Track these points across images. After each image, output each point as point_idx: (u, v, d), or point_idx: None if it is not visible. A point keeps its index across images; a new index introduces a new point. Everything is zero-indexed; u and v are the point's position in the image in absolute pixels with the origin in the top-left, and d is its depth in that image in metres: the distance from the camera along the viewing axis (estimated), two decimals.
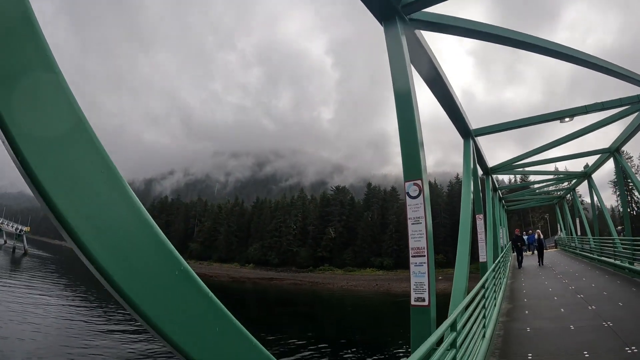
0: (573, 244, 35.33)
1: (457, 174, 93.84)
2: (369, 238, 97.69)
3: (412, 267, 6.44)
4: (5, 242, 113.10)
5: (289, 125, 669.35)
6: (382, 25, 7.35)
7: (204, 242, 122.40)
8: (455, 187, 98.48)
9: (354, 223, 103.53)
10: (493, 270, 11.49)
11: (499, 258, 16.79)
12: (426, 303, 6.21)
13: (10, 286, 44.72)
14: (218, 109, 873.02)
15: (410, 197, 6.62)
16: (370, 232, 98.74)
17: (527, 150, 20.46)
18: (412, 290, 6.33)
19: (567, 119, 13.96)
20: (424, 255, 6.33)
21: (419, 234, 6.45)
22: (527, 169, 27.43)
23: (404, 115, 7.11)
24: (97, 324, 31.69)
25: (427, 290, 6.23)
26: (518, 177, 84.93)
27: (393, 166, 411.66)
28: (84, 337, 26.82)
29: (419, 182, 6.64)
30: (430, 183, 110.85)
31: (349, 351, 28.04)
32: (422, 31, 8.32)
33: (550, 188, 41.03)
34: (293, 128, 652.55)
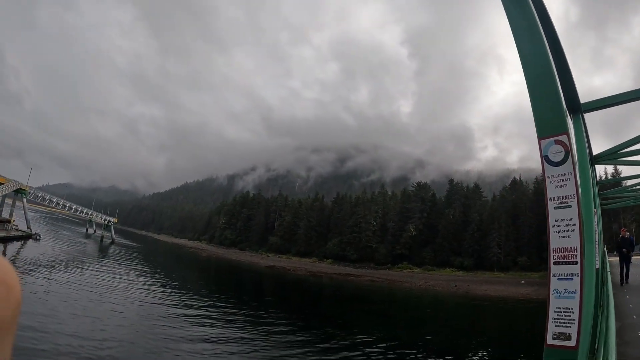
0: None
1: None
2: (449, 236, 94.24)
3: (552, 280, 3.81)
4: (95, 231, 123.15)
5: (369, 120, 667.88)
6: None
7: (284, 236, 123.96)
8: (541, 184, 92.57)
9: (435, 221, 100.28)
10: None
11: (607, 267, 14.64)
12: (572, 343, 3.60)
13: (96, 271, 47.79)
14: (297, 104, 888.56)
15: (551, 163, 4.15)
16: (451, 230, 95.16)
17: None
18: (549, 319, 3.72)
19: None
20: (576, 262, 3.72)
21: (567, 225, 3.89)
22: (632, 158, 23.81)
23: (531, 46, 4.83)
24: (172, 307, 32.71)
25: (576, 321, 3.62)
26: (609, 169, 78.43)
27: (477, 162, 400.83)
28: (156, 318, 27.77)
29: (563, 137, 4.14)
30: (514, 179, 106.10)
31: (421, 354, 26.80)
32: None
33: None
34: (373, 122, 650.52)
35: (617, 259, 23.20)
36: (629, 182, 37.33)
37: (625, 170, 69.76)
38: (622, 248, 19.20)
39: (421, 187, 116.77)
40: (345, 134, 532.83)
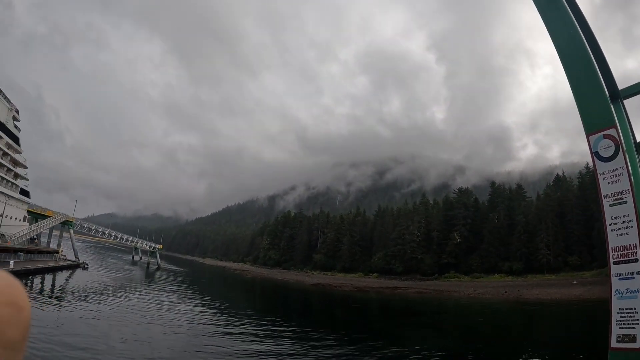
0: None
1: (587, 163, 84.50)
2: (495, 241, 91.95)
3: (613, 280, 3.65)
4: (141, 258, 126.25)
5: (404, 130, 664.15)
6: None
7: (328, 253, 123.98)
8: (585, 177, 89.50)
9: (480, 226, 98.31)
10: None
11: None
12: (638, 345, 3.44)
13: (144, 296, 49.02)
14: (331, 121, 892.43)
15: (602, 158, 4.05)
16: (497, 234, 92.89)
17: None
18: (612, 321, 3.54)
19: None
20: (637, 259, 3.54)
21: (624, 222, 3.70)
22: None
23: (567, 37, 4.78)
24: (220, 327, 33.27)
25: None
26: None
27: (517, 162, 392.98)
28: (206, 338, 28.19)
29: (611, 131, 4.06)
30: (557, 176, 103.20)
31: None
32: None
33: None
34: (408, 132, 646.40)
35: None
36: None
37: None
38: None
39: (463, 193, 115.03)
40: (381, 146, 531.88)
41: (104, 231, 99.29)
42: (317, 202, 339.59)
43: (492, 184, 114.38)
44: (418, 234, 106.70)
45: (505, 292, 69.70)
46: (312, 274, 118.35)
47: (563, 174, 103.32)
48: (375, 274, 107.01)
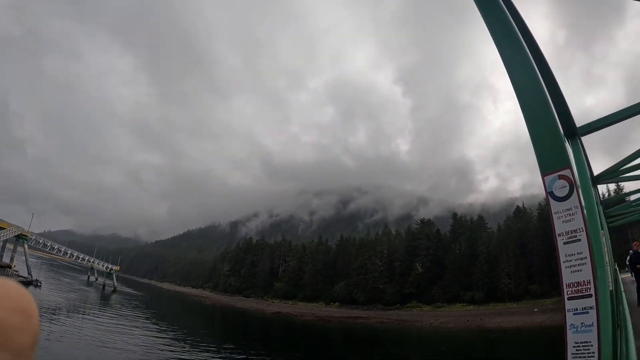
0: None
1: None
2: (457, 271, 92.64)
3: (568, 315, 3.67)
4: (97, 279, 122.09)
5: (369, 161, 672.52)
6: None
7: (289, 282, 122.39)
8: (545, 209, 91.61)
9: (442, 256, 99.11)
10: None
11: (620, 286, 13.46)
12: None
13: (98, 319, 47.17)
14: (298, 149, 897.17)
15: (556, 198, 4.05)
16: (459, 264, 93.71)
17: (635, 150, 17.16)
18: (568, 354, 3.56)
19: None
20: (590, 295, 3.60)
21: (577, 259, 3.76)
22: (634, 173, 22.37)
23: (525, 79, 4.74)
24: (173, 352, 32.11)
25: (595, 354, 3.46)
26: (612, 187, 77.88)
27: (479, 194, 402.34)
28: None
29: (566, 172, 4.05)
30: (518, 207, 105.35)
31: None
32: None
33: None
34: (374, 163, 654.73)
35: (629, 275, 21.33)
36: (632, 197, 36.18)
37: (627, 186, 69.19)
38: (636, 264, 17.02)
39: (425, 223, 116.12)
40: (346, 176, 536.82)
41: (60, 248, 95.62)
42: (279, 229, 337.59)
43: (454, 215, 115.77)
44: (380, 263, 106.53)
45: (468, 320, 69.95)
46: (273, 302, 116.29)
47: (523, 205, 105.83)
48: (337, 304, 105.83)
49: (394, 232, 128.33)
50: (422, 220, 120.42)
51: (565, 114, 10.29)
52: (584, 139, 13.40)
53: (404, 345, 51.80)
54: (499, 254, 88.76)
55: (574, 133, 12.21)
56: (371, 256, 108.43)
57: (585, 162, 12.06)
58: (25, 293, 0.59)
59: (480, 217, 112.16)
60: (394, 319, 79.07)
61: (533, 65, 4.64)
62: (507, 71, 4.97)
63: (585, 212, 3.91)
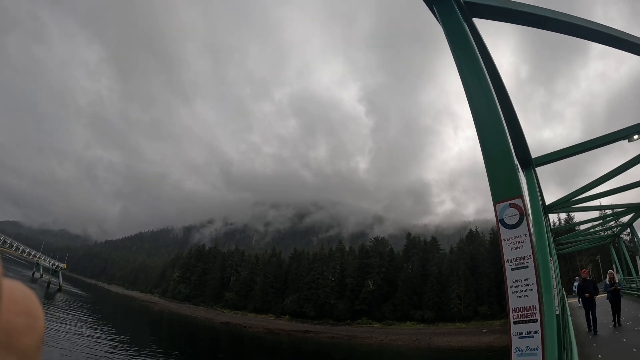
0: (634, 285, 31.96)
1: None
2: (409, 290, 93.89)
3: (513, 339, 3.83)
4: (42, 276, 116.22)
5: (328, 177, 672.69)
6: (432, 9, 5.46)
7: (240, 292, 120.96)
8: (497, 234, 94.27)
9: (394, 275, 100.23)
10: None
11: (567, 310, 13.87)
12: None
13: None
14: (257, 159, 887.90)
15: (506, 225, 4.22)
16: (411, 284, 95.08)
17: (586, 183, 18.00)
18: None
19: (635, 137, 11.31)
20: (536, 320, 3.75)
21: (524, 285, 3.96)
22: (583, 204, 23.05)
23: (483, 107, 4.97)
24: (117, 358, 31.20)
25: None
26: (562, 216, 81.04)
27: (434, 216, 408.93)
28: None
29: (517, 201, 4.23)
30: (471, 231, 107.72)
31: None
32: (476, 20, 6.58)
33: (606, 225, 37.08)
34: (332, 179, 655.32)
35: (575, 300, 21.66)
36: (582, 227, 37.68)
37: (578, 216, 72.13)
38: (585, 292, 17.54)
39: (379, 242, 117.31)
40: (304, 190, 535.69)
41: (6, 240, 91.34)
42: (233, 238, 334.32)
43: (408, 235, 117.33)
44: (332, 279, 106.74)
45: (417, 339, 70.88)
46: (223, 312, 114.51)
47: (476, 229, 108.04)
48: (287, 317, 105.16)
49: (347, 248, 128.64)
50: (377, 239, 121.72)
51: (521, 144, 10.82)
52: (539, 169, 14.05)
53: None
54: (450, 275, 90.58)
55: (529, 163, 12.85)
56: (324, 271, 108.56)
57: (537, 191, 12.62)
58: (31, 295, 0.60)
59: (434, 239, 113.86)
60: (344, 335, 79.22)
61: (493, 97, 4.98)
62: (468, 100, 5.24)
63: (534, 240, 4.11)
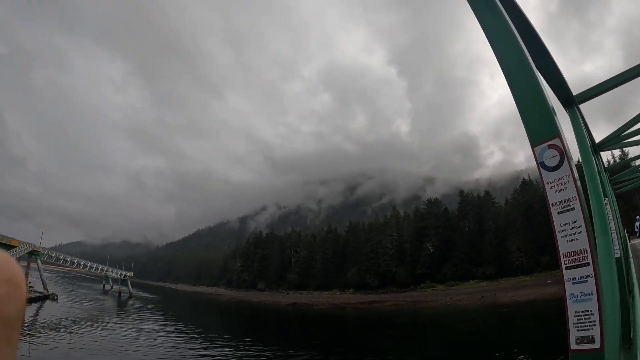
0: None
1: None
2: (467, 248, 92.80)
3: (567, 285, 3.58)
4: (112, 287, 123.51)
5: (371, 145, 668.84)
6: None
7: (301, 272, 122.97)
8: None
9: (451, 235, 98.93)
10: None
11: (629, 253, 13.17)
12: (597, 345, 3.28)
13: (117, 325, 47.81)
14: (298, 139, 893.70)
15: (547, 168, 3.87)
16: (469, 241, 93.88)
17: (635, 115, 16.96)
18: (569, 324, 3.43)
19: None
20: (588, 263, 3.47)
21: (572, 228, 3.62)
22: (636, 137, 21.56)
23: (507, 49, 4.41)
24: (193, 350, 32.57)
25: (597, 322, 3.31)
26: (617, 153, 77.23)
27: (485, 169, 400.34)
28: None
29: (555, 141, 3.88)
30: (524, 180, 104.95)
31: None
32: None
33: None
34: (375, 147, 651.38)
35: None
36: (638, 162, 35.80)
37: (632, 151, 68.66)
38: None
39: (432, 203, 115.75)
40: (350, 162, 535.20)
41: (73, 260, 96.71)
42: (288, 221, 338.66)
43: (461, 192, 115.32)
44: (391, 246, 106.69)
45: (482, 297, 70.08)
46: (288, 293, 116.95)
47: (529, 178, 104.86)
48: (350, 290, 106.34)
49: (402, 214, 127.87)
50: (430, 200, 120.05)
51: (559, 83, 10.02)
52: (585, 107, 13.15)
53: (419, 326, 52.02)
54: (507, 228, 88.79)
55: (571, 101, 11.85)
56: (381, 240, 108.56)
57: (584, 129, 11.81)
58: (13, 263, 0.59)
59: (487, 193, 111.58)
60: (409, 301, 79.32)
61: (515, 35, 4.51)
62: (490, 43, 4.90)
63: (577, 180, 3.71)
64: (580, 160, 6.02)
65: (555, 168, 3.82)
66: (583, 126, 11.54)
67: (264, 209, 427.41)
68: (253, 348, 34.94)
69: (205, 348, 34.53)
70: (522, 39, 6.83)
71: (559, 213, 3.70)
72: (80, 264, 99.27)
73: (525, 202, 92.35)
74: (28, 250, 79.78)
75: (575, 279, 3.49)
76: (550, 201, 3.78)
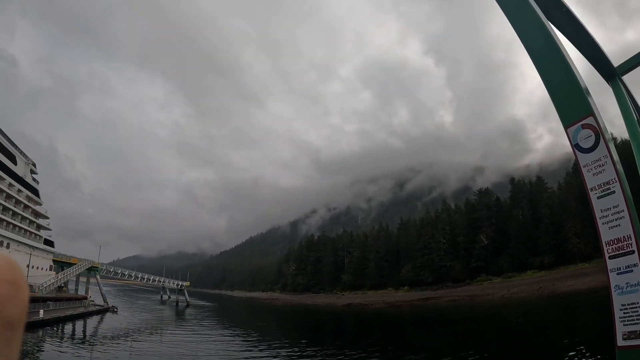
0: None
1: None
2: (523, 237, 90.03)
3: (611, 276, 3.38)
4: (169, 297, 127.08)
5: (417, 139, 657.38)
6: None
7: (355, 272, 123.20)
8: None
9: (505, 224, 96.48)
10: None
11: None
12: None
13: (176, 333, 49.24)
14: (342, 140, 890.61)
15: (583, 150, 3.76)
16: (523, 230, 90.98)
17: None
18: (615, 318, 3.28)
19: None
20: (633, 251, 3.25)
21: (614, 213, 3.44)
22: None
23: (528, 27, 4.55)
24: (251, 353, 33.52)
25: None
26: None
27: (535, 153, 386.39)
28: None
29: (589, 120, 3.71)
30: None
31: None
32: None
33: None
34: (421, 140, 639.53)
35: None
36: None
37: None
38: None
39: (483, 193, 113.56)
40: (396, 158, 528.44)
41: (130, 273, 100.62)
42: (339, 222, 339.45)
43: (512, 180, 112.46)
44: (444, 241, 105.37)
45: (540, 287, 67.92)
46: (342, 294, 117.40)
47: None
48: (405, 287, 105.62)
49: (453, 206, 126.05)
50: (480, 191, 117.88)
51: (597, 56, 9.38)
52: (629, 77, 12.13)
53: (477, 322, 50.95)
54: (563, 214, 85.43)
55: (613, 73, 10.99)
56: (434, 235, 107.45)
57: (629, 103, 10.93)
58: (15, 264, 0.59)
59: (539, 178, 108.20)
60: (465, 295, 78.11)
61: (534, 10, 4.33)
62: (510, 22, 4.61)
63: (617, 161, 3.64)
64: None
65: (591, 149, 3.71)
66: (628, 99, 10.70)
67: (314, 211, 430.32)
68: (308, 350, 35.14)
69: (261, 350, 35.06)
70: (550, 15, 6.25)
71: (598, 198, 3.62)
72: (137, 277, 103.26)
73: (579, 185, 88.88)
74: (87, 267, 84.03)
75: (619, 268, 3.34)
76: (589, 185, 3.71)
